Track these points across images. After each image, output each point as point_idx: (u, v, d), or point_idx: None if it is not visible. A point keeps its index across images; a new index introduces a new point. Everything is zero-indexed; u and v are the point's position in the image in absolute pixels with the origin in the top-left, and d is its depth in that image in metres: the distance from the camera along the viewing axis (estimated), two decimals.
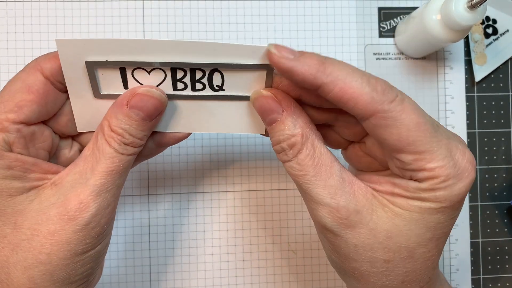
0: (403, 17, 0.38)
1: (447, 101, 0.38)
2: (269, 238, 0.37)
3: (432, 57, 0.38)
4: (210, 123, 0.27)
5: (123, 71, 0.25)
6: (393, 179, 0.23)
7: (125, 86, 0.25)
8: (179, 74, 0.25)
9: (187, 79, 0.25)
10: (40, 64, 0.24)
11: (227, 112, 0.27)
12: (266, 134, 0.26)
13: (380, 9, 0.38)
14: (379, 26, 0.38)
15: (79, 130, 0.27)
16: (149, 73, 0.25)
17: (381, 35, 0.38)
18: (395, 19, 0.38)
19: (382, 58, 0.38)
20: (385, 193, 0.23)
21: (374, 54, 0.38)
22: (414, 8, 0.38)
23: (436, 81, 0.38)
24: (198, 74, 0.25)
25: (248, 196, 0.37)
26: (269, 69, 0.24)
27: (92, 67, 0.24)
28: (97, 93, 0.25)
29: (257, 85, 0.25)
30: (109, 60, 0.24)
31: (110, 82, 0.25)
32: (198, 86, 0.25)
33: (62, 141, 0.27)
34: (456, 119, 0.38)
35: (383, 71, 0.38)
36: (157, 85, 0.25)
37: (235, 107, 0.26)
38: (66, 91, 0.25)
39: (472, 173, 0.22)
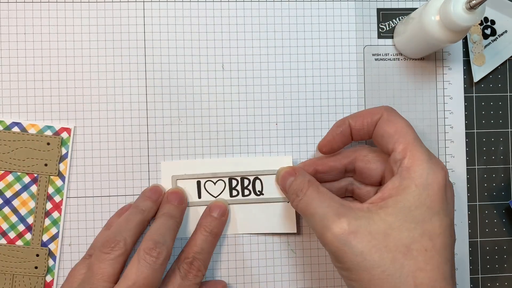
0: (402, 18, 0.38)
1: (446, 102, 0.39)
2: (269, 237, 0.37)
3: (431, 58, 0.39)
4: (252, 224, 0.37)
5: (198, 184, 0.36)
6: (383, 187, 0.29)
7: (199, 196, 0.37)
8: (234, 183, 0.36)
9: (239, 187, 0.36)
10: None
11: (265, 213, 0.37)
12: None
13: (379, 10, 0.38)
14: (378, 27, 0.38)
15: None
16: (215, 184, 0.37)
17: (380, 36, 0.38)
18: (394, 20, 0.38)
19: (381, 59, 0.38)
20: (377, 201, 0.28)
21: (373, 54, 0.38)
22: (413, 9, 0.38)
23: (435, 81, 0.39)
24: (246, 182, 0.36)
25: None
26: None
27: (175, 180, 0.36)
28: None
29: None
30: (187, 173, 0.36)
31: (189, 193, 0.37)
32: (246, 192, 0.37)
33: None
34: (454, 119, 0.39)
35: (382, 72, 0.38)
36: (220, 193, 0.37)
37: (272, 208, 0.37)
38: None
39: (444, 168, 0.28)
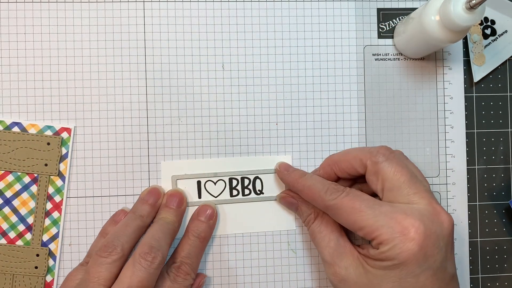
0: (402, 18, 0.38)
1: (446, 101, 0.39)
2: (269, 237, 0.37)
3: (431, 58, 0.39)
4: (251, 223, 0.37)
5: (199, 184, 0.36)
6: (369, 246, 0.31)
7: (199, 196, 0.37)
8: (234, 183, 0.37)
9: (239, 187, 0.37)
10: None
11: (264, 211, 0.37)
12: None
13: (379, 10, 0.38)
14: (378, 27, 0.38)
15: None
16: (215, 184, 0.37)
17: (380, 35, 0.38)
18: (394, 20, 0.38)
19: (381, 59, 0.38)
20: (364, 256, 0.31)
21: (373, 54, 0.38)
22: (413, 9, 0.38)
23: (435, 81, 0.39)
24: (246, 182, 0.37)
25: None
26: None
27: (175, 180, 0.36)
28: None
29: (280, 185, 0.37)
30: (187, 174, 0.36)
31: (190, 193, 0.37)
32: (246, 191, 0.37)
33: None
34: (455, 119, 0.39)
35: (382, 72, 0.38)
36: (220, 193, 0.37)
37: (271, 206, 0.37)
38: None
39: (409, 235, 0.29)
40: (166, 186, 0.36)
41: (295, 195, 0.36)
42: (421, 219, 0.29)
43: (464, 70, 0.39)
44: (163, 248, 0.32)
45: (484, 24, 0.39)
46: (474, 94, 0.39)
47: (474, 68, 0.39)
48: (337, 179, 0.35)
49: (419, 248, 0.29)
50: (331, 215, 0.32)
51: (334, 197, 0.32)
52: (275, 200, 0.37)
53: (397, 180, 0.31)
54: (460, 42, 0.39)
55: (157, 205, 0.35)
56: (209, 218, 0.36)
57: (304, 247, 0.38)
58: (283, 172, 0.36)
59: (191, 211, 0.36)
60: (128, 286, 0.29)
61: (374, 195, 0.33)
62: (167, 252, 0.32)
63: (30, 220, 0.36)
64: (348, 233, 0.34)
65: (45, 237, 0.36)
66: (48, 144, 0.35)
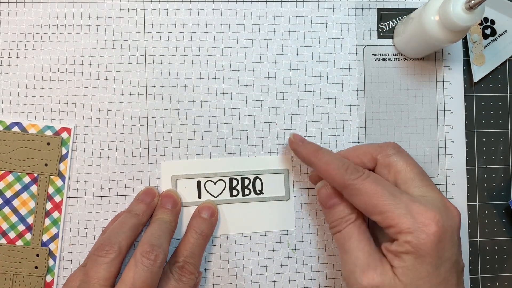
0: (402, 18, 0.38)
1: (446, 101, 0.39)
2: (269, 237, 0.37)
3: (431, 58, 0.39)
4: (252, 223, 0.37)
5: (199, 184, 0.36)
6: (387, 244, 0.30)
7: (199, 196, 0.37)
8: (234, 183, 0.37)
9: (239, 187, 0.37)
10: None
11: (264, 211, 0.37)
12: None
13: (379, 10, 0.38)
14: (378, 27, 0.38)
15: None
16: (215, 184, 0.37)
17: (380, 36, 0.38)
18: (394, 20, 0.38)
19: (381, 59, 0.38)
20: (391, 252, 0.30)
21: (373, 55, 0.38)
22: (413, 9, 0.38)
23: (435, 81, 0.39)
24: (246, 182, 0.37)
25: None
26: (285, 172, 0.37)
27: (175, 180, 0.36)
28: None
29: (280, 185, 0.37)
30: (187, 174, 0.36)
31: (189, 193, 0.37)
32: (246, 192, 0.37)
33: None
34: (454, 119, 0.39)
35: (381, 72, 0.38)
36: (220, 193, 0.37)
37: (271, 206, 0.37)
38: None
39: (431, 227, 0.28)
40: (166, 186, 0.36)
41: (338, 193, 0.33)
42: (439, 213, 0.29)
43: (464, 70, 0.39)
44: (164, 246, 0.31)
45: (484, 24, 0.39)
46: (474, 94, 0.39)
47: (474, 68, 0.39)
48: None
49: (439, 240, 0.29)
50: (347, 195, 0.31)
51: (355, 177, 0.30)
52: (274, 200, 0.37)
53: (410, 171, 0.31)
54: (460, 42, 0.39)
55: (152, 204, 0.35)
56: (211, 215, 0.36)
57: (304, 247, 0.38)
58: (297, 142, 0.35)
59: (191, 211, 0.36)
60: (132, 287, 0.29)
61: None
62: (168, 250, 0.32)
63: (30, 220, 0.36)
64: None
65: (45, 237, 0.36)
66: (48, 144, 0.36)
